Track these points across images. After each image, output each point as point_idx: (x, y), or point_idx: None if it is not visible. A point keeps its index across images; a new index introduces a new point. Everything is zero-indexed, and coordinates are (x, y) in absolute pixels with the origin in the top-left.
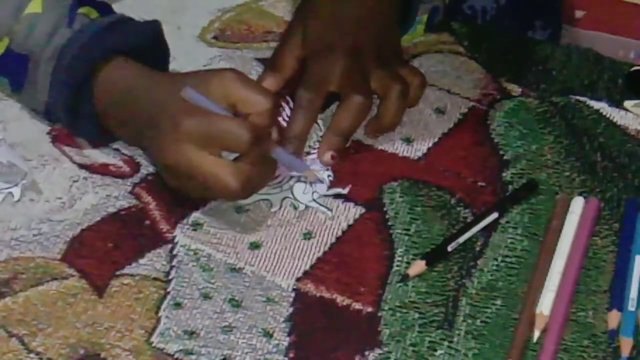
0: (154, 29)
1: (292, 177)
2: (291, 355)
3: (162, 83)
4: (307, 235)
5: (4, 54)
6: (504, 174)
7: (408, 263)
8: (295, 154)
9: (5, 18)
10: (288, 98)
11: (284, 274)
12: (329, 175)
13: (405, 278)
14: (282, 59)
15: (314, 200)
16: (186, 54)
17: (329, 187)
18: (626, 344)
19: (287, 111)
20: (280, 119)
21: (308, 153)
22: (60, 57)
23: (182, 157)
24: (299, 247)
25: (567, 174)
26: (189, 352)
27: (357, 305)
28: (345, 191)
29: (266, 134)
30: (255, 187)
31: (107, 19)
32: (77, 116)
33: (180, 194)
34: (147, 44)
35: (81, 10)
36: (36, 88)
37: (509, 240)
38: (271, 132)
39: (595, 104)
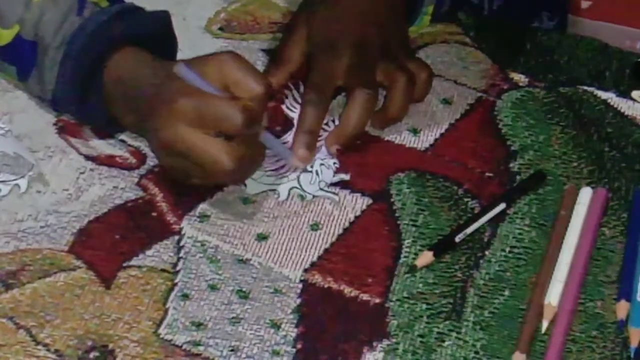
0: (163, 18)
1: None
2: (299, 346)
3: (164, 67)
4: (315, 227)
5: (13, 41)
6: (511, 165)
7: (415, 254)
8: (308, 149)
9: (16, 6)
10: (291, 85)
11: (292, 265)
12: (334, 163)
13: (412, 269)
14: (287, 53)
15: (320, 189)
16: (192, 45)
17: (335, 174)
18: (635, 335)
19: (291, 99)
20: (283, 106)
21: None
22: (69, 44)
23: (176, 136)
24: (306, 239)
25: (575, 164)
26: (196, 344)
27: (365, 297)
28: (347, 177)
29: (259, 118)
30: (247, 170)
31: (116, 7)
32: (85, 104)
33: (180, 182)
34: (156, 34)
35: None
36: (44, 75)
37: (517, 231)
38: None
39: (603, 94)
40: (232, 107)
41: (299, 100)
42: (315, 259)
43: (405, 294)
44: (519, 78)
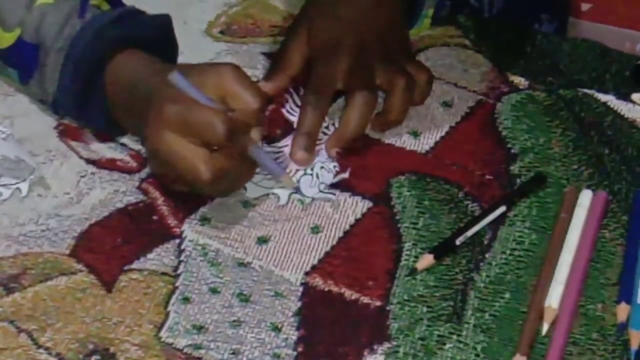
0: (164, 22)
1: (297, 170)
2: (300, 349)
3: (162, 72)
4: (315, 230)
5: (15, 44)
6: (511, 168)
7: (416, 257)
8: (307, 151)
9: (18, 9)
10: (291, 89)
11: (292, 268)
12: (335, 166)
13: (413, 272)
14: (288, 57)
15: (320, 191)
16: (192, 48)
17: (335, 176)
18: (635, 337)
19: (291, 103)
20: (284, 110)
21: None
22: (71, 47)
23: (161, 141)
24: (306, 242)
25: (575, 167)
26: (197, 347)
27: (366, 299)
28: (346, 174)
29: (245, 131)
30: (230, 182)
31: (117, 10)
32: (86, 107)
33: (167, 187)
34: (157, 37)
35: (92, 1)
36: (45, 78)
37: (517, 234)
38: (251, 131)
39: (603, 97)
40: (216, 117)
41: (299, 103)
42: (315, 262)
43: (405, 297)
44: (519, 81)
